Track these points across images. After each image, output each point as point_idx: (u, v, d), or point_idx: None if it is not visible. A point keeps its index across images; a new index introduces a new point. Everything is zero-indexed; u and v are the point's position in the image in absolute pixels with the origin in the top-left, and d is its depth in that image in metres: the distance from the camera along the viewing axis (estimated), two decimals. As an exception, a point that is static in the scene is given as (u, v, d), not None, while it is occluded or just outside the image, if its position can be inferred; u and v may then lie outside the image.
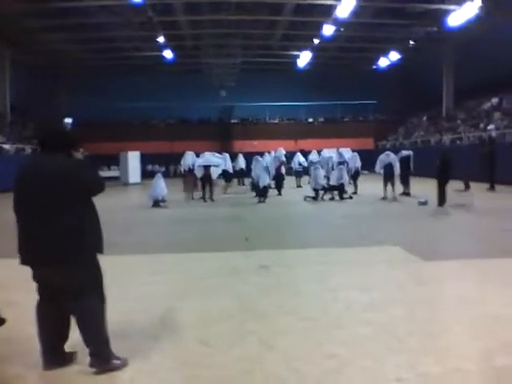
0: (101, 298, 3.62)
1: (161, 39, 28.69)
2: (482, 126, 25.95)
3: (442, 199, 13.18)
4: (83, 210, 3.51)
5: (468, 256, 7.28)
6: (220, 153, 22.65)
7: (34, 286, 3.65)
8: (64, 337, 3.68)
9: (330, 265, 6.97)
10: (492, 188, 17.79)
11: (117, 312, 4.85)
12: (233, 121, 40.22)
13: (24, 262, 3.50)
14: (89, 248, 3.53)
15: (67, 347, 3.71)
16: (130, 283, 6.10)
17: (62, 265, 3.41)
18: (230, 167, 20.35)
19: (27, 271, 3.60)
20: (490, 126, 24.59)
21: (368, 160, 21.64)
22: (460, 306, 4.91)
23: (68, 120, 32.96)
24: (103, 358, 3.55)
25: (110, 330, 4.24)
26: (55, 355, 3.63)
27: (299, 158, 24.11)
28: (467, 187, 14.35)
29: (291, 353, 3.88)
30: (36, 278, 3.58)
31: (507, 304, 4.91)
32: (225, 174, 20.68)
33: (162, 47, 31.12)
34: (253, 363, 3.72)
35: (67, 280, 3.45)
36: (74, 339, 3.68)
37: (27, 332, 3.94)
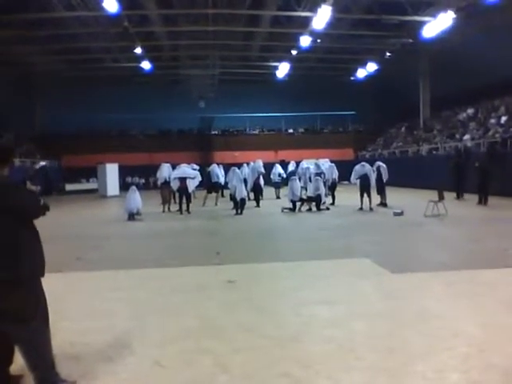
0: (44, 322, 3.47)
1: (138, 50, 28.54)
2: (457, 136, 26.25)
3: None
4: (22, 233, 3.36)
5: (437, 268, 7.25)
6: (198, 164, 22.53)
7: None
8: (7, 361, 3.54)
9: (298, 278, 6.89)
10: (461, 197, 18.43)
11: (72, 332, 4.74)
12: (213, 132, 40.10)
13: None
14: (28, 272, 3.37)
15: (15, 371, 3.59)
16: (90, 301, 5.95)
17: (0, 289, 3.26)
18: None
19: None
20: (466, 137, 24.88)
21: (348, 170, 21.63)
22: (422, 320, 4.85)
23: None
24: (49, 383, 3.42)
25: (63, 351, 4.13)
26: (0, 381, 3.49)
27: (278, 169, 24.05)
28: (441, 198, 14.39)
29: (244, 373, 3.78)
30: None
31: (467, 318, 4.88)
32: (206, 186, 20.66)
33: (139, 58, 31.00)
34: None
35: (5, 304, 3.29)
36: (22, 362, 3.53)
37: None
